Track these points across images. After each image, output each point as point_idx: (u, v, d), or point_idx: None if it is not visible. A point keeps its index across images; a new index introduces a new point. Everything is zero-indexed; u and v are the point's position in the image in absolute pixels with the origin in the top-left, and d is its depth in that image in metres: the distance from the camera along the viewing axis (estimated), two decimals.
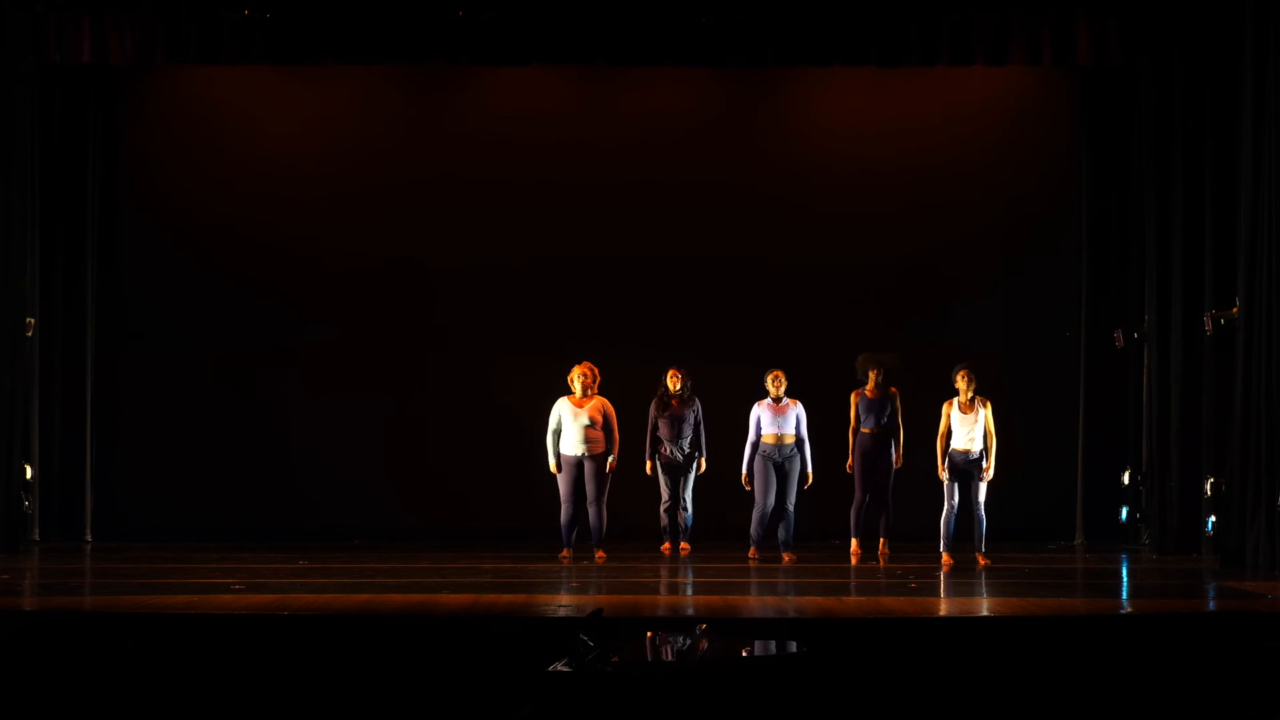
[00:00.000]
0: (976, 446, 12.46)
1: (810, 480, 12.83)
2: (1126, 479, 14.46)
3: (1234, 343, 12.33)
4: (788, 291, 14.83)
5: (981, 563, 12.39)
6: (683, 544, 13.14)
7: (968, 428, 12.47)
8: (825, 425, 13.20)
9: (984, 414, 12.50)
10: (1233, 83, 12.39)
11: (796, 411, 12.84)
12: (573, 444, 12.75)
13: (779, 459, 12.80)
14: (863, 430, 12.85)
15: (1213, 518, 12.92)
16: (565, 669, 7.01)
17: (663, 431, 13.11)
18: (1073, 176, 14.85)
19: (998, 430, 12.57)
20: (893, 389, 12.88)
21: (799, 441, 12.82)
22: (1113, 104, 14.50)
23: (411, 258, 14.90)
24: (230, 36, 13.41)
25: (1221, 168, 12.76)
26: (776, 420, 12.81)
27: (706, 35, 13.50)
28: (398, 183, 14.93)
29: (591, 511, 12.77)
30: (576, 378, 12.81)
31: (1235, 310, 12.34)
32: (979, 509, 12.51)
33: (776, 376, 12.89)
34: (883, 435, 12.81)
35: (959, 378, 12.55)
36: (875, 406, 12.82)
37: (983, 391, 12.63)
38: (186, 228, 14.87)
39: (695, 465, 13.14)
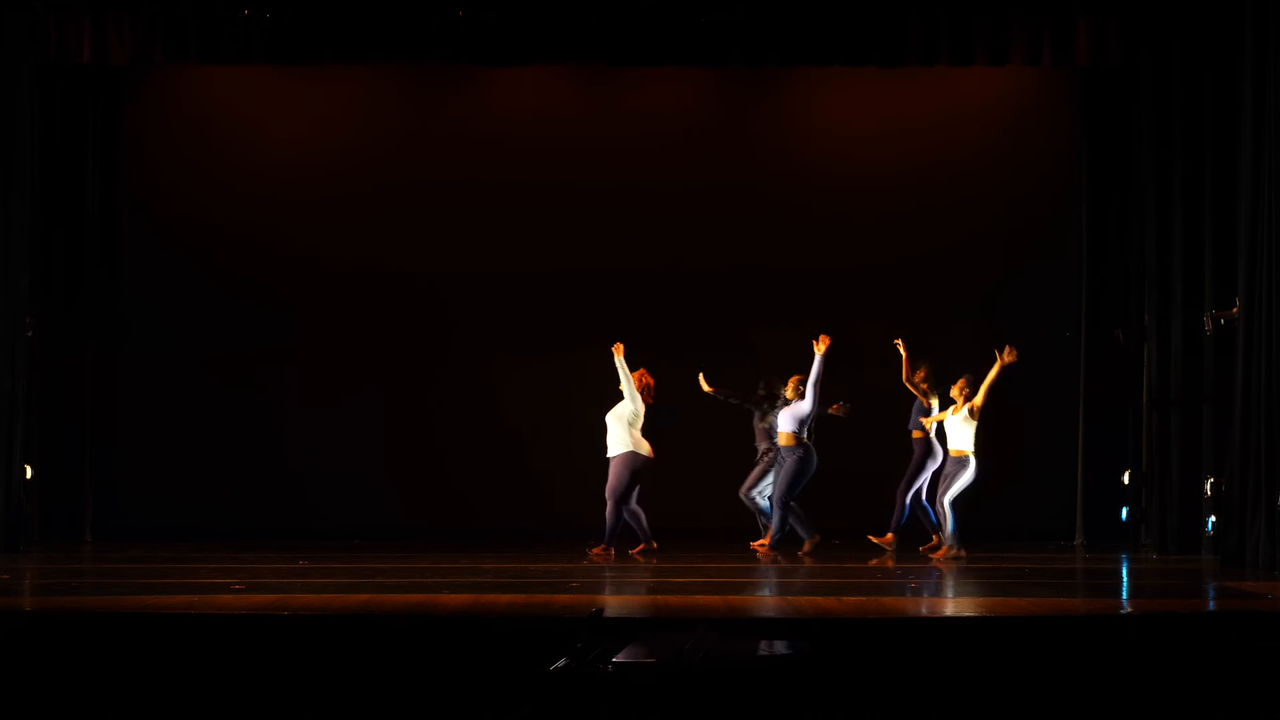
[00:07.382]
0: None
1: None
2: (1127, 479, 14.46)
3: (1234, 343, 12.32)
4: (787, 291, 14.81)
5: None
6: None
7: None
8: (827, 425, 13.24)
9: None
10: (1233, 83, 12.38)
11: None
12: None
13: None
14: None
15: (1213, 518, 12.92)
16: (565, 669, 7.01)
17: None
18: (1073, 177, 14.84)
19: (996, 429, 12.82)
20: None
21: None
22: (1113, 104, 14.48)
23: (411, 258, 14.88)
24: (230, 36, 13.43)
25: (1221, 168, 12.76)
26: None
27: (706, 35, 13.52)
28: (397, 183, 14.93)
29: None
30: None
31: (1235, 310, 12.33)
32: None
33: None
34: None
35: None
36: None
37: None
38: (186, 228, 14.86)
39: None
